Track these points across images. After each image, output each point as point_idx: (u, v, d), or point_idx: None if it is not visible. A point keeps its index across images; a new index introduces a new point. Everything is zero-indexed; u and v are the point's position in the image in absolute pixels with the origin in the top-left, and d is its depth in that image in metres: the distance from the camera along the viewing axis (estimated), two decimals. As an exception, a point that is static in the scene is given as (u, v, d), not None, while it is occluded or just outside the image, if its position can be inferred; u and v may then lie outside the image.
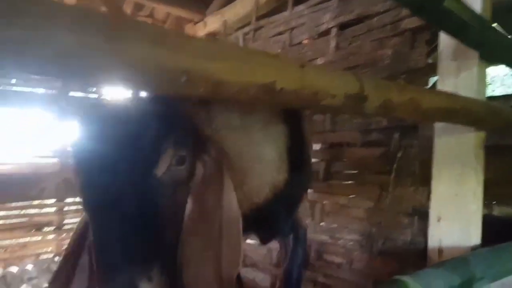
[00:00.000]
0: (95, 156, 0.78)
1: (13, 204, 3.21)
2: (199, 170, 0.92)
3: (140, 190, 0.78)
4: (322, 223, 2.41)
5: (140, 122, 0.81)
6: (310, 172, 1.36)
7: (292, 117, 1.28)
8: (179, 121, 0.88)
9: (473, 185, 1.45)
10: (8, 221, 3.20)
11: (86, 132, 0.82)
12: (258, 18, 3.02)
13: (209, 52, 0.62)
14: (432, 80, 2.05)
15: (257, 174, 1.15)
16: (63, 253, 0.99)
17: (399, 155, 1.95)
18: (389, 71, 2.00)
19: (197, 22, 3.65)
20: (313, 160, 2.57)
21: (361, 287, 1.97)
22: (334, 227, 2.33)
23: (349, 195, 2.25)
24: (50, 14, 0.44)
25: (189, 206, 0.87)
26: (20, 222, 3.17)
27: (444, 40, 1.51)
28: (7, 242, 3.16)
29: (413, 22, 1.90)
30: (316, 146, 2.63)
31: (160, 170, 0.81)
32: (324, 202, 2.41)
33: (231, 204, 0.92)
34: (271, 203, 1.18)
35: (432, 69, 1.80)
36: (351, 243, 2.21)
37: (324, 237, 2.38)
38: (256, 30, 3.01)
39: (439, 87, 1.52)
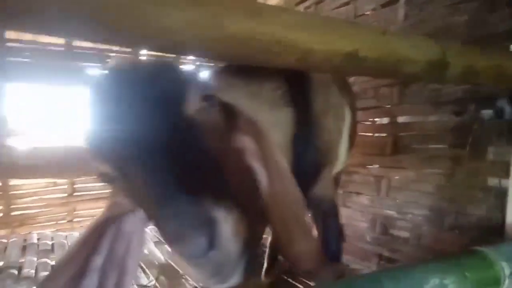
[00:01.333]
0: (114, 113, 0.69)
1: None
2: (244, 139, 0.84)
3: (175, 126, 0.70)
4: (388, 198, 2.38)
5: (156, 70, 0.74)
6: (323, 152, 1.24)
7: (299, 97, 1.18)
8: (204, 77, 0.87)
9: (559, 157, 1.36)
10: (92, 192, 3.59)
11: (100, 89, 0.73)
12: (320, -9, 2.97)
13: (299, 23, 0.65)
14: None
15: None
16: (71, 251, 0.88)
17: (475, 127, 1.86)
18: (464, 38, 1.89)
19: (257, -2, 3.66)
20: (379, 134, 2.53)
21: (436, 256, 1.94)
22: (401, 202, 2.30)
23: (418, 170, 2.20)
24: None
25: (261, 174, 0.83)
26: (102, 193, 3.52)
27: (532, 0, 1.40)
28: (92, 211, 3.56)
29: (494, -17, 1.76)
30: (383, 120, 2.57)
31: (191, 107, 0.74)
32: (391, 177, 2.38)
33: (281, 159, 0.89)
34: None
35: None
36: (420, 218, 2.17)
37: (391, 212, 2.36)
38: (317, 3, 2.96)
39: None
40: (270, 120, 1.08)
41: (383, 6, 2.43)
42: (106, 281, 0.84)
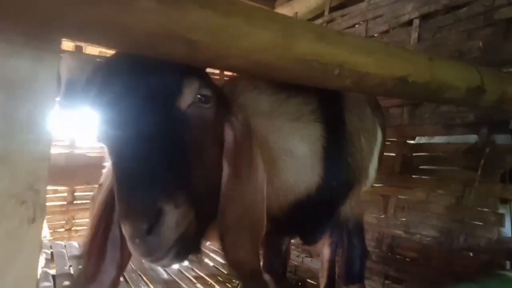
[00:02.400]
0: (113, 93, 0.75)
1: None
2: (228, 134, 0.89)
3: (164, 119, 0.75)
4: (395, 218, 2.38)
5: (157, 62, 0.74)
6: (355, 171, 1.25)
7: (332, 115, 1.19)
8: (202, 72, 0.87)
9: None
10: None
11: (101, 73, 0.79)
12: (330, 10, 3.01)
13: (359, 47, 0.66)
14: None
15: (284, 168, 1.08)
16: (90, 226, 0.98)
17: (487, 150, 1.88)
18: (478, 64, 1.92)
19: (266, 15, 3.69)
20: (388, 154, 2.54)
21: (460, 279, 1.93)
22: (409, 222, 2.30)
23: (427, 190, 2.21)
24: (252, 15, 0.51)
25: (225, 171, 0.88)
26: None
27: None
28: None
29: (509, 12, 1.81)
30: (392, 139, 2.59)
31: (184, 102, 0.79)
32: (398, 197, 2.38)
33: (258, 171, 0.92)
34: (303, 205, 1.13)
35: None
36: (428, 238, 2.17)
37: (398, 232, 2.36)
38: (328, 22, 3.01)
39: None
40: (289, 130, 1.10)
41: (395, 28, 2.47)
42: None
